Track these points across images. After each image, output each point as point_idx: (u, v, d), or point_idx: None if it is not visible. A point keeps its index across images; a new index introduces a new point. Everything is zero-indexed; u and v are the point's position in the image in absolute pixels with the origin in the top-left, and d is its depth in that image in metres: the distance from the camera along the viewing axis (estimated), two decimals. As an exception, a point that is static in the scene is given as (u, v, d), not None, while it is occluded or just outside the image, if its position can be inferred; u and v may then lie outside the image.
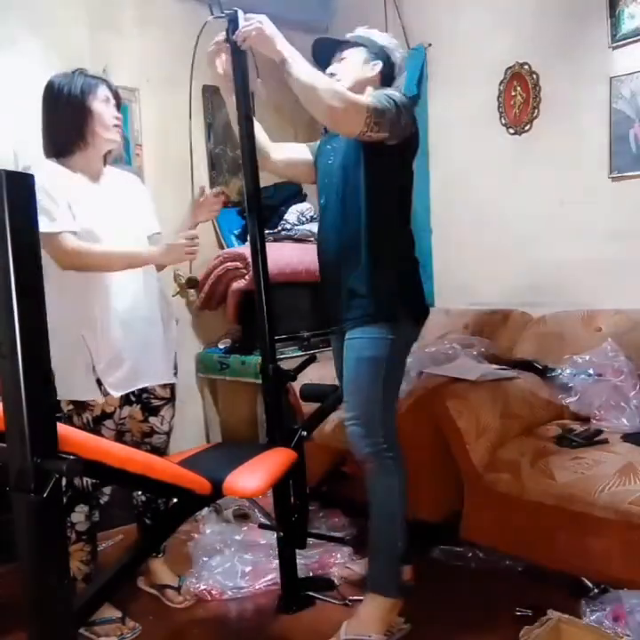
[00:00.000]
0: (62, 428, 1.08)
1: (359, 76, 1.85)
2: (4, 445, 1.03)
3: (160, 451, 2.05)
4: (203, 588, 2.11)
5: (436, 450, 2.19)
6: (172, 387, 2.07)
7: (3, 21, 2.52)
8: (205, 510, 2.55)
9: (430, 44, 3.12)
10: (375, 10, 3.14)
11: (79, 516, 1.90)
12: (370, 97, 1.69)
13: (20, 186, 1.00)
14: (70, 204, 1.79)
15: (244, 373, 2.86)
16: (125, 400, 1.95)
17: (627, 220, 2.53)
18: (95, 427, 1.88)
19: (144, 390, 1.98)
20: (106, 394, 1.85)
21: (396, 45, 1.94)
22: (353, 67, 1.86)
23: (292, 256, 2.88)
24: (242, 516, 2.58)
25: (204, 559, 2.24)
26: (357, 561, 2.19)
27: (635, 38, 2.43)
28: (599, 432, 2.12)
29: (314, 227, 2.90)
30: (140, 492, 2.10)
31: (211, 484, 1.48)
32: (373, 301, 1.79)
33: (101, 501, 2.04)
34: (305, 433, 2.01)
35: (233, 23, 1.78)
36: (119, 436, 2.01)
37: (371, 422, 1.80)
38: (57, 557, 1.07)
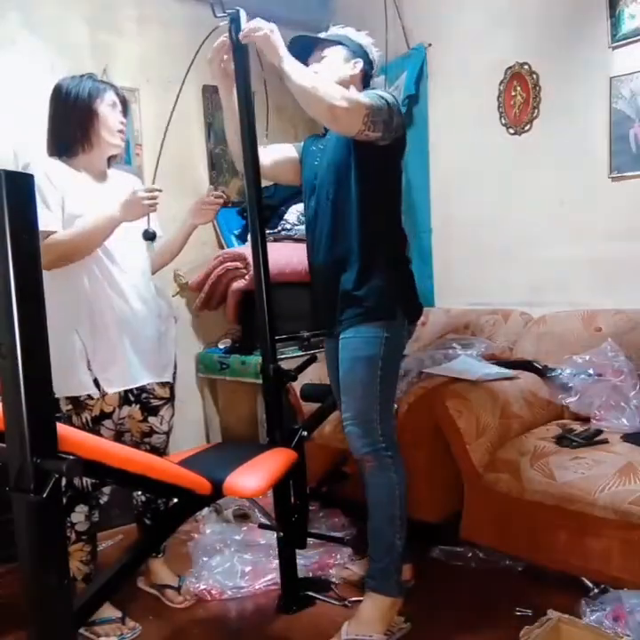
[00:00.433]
0: (62, 428, 1.08)
1: (342, 74, 1.85)
2: (4, 445, 1.03)
3: (159, 451, 2.05)
4: (203, 587, 2.12)
5: (436, 450, 2.19)
6: (171, 386, 2.07)
7: (2, 21, 2.52)
8: (205, 510, 2.55)
9: (430, 44, 3.12)
10: (375, 10, 3.14)
11: (79, 516, 1.90)
12: (366, 96, 1.69)
13: (20, 186, 1.00)
14: (68, 199, 1.79)
15: (244, 373, 2.86)
16: (124, 400, 1.95)
17: (627, 219, 2.53)
18: (94, 427, 1.88)
19: (143, 390, 1.98)
20: (103, 391, 1.85)
21: (372, 43, 1.95)
22: (336, 65, 1.86)
23: (292, 256, 2.88)
24: (242, 516, 2.58)
25: (204, 559, 2.24)
26: (357, 561, 2.19)
27: (635, 38, 2.43)
28: (599, 432, 2.12)
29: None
30: (139, 493, 2.10)
31: (211, 483, 1.48)
32: (367, 301, 1.79)
33: (101, 501, 2.04)
34: (305, 433, 2.01)
35: (235, 23, 1.79)
36: (118, 436, 2.01)
37: (368, 422, 1.80)
38: (57, 557, 1.07)
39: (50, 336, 1.05)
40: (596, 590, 1.79)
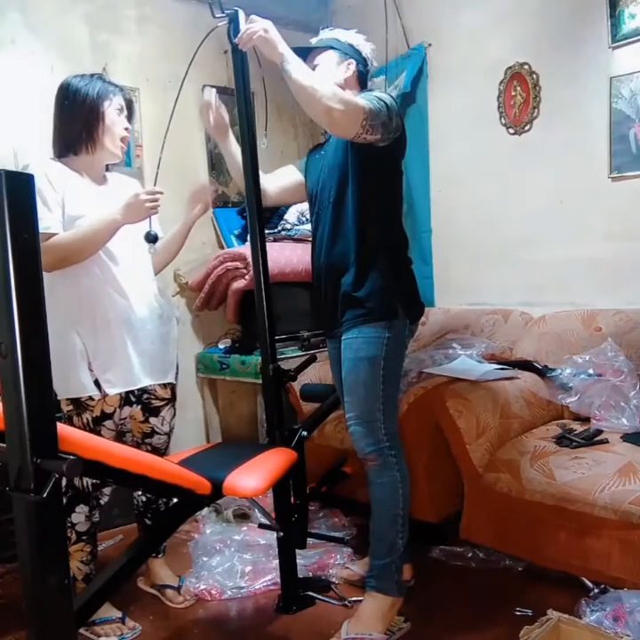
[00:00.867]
0: (62, 428, 1.07)
1: (337, 78, 1.85)
2: (4, 445, 1.03)
3: (160, 451, 2.05)
4: (203, 588, 2.12)
5: (436, 450, 2.19)
6: (172, 387, 2.07)
7: (2, 21, 2.52)
8: (205, 510, 2.55)
9: (430, 44, 3.12)
10: (375, 10, 3.14)
11: (79, 516, 1.90)
12: (364, 99, 1.69)
13: (21, 186, 1.00)
14: (68, 201, 1.79)
15: (244, 373, 2.86)
16: (125, 400, 1.95)
17: (626, 219, 2.53)
18: (95, 427, 1.88)
19: (144, 391, 1.98)
20: (104, 392, 1.85)
21: (363, 40, 1.93)
22: (329, 71, 1.86)
23: (291, 256, 2.88)
24: (242, 516, 2.58)
25: (204, 559, 2.24)
26: (357, 561, 2.19)
27: (635, 38, 2.43)
28: (599, 432, 2.12)
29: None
30: (140, 493, 2.10)
31: (211, 483, 1.48)
32: (368, 302, 1.80)
33: (101, 502, 2.04)
34: (305, 433, 2.01)
35: (234, 23, 1.79)
36: (119, 437, 2.01)
37: (372, 421, 1.80)
38: (57, 557, 1.06)
39: (50, 337, 1.05)
40: (596, 590, 1.79)
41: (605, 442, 2.06)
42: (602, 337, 2.38)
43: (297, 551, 2.02)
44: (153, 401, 2.01)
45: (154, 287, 2.01)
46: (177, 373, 2.09)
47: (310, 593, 2.04)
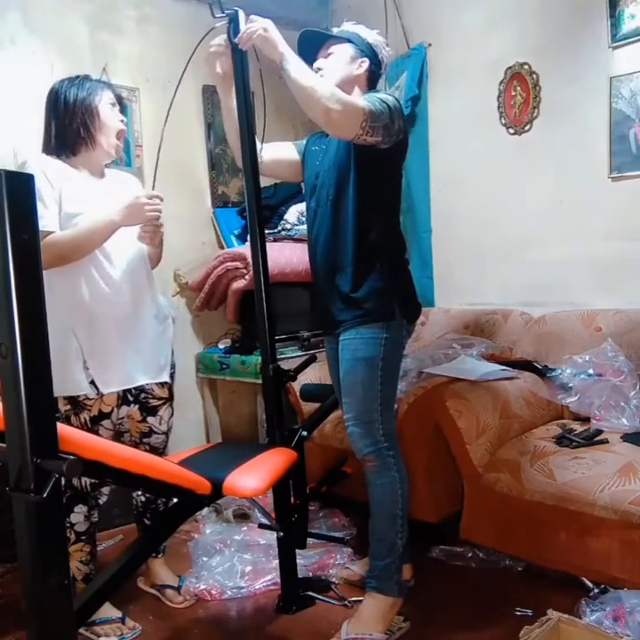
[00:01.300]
0: (62, 428, 1.07)
1: (346, 73, 1.84)
2: (4, 445, 1.03)
3: (159, 451, 2.05)
4: (203, 588, 2.12)
5: (436, 450, 2.19)
6: (169, 386, 2.06)
7: (2, 21, 2.52)
8: (205, 510, 2.55)
9: (430, 44, 3.12)
10: (375, 10, 3.14)
11: (78, 516, 1.90)
12: (365, 100, 1.68)
13: (21, 186, 1.00)
14: (65, 197, 1.79)
15: (244, 373, 2.86)
16: (123, 400, 1.95)
17: (626, 219, 2.53)
18: (93, 427, 1.88)
19: (142, 390, 1.98)
20: (99, 391, 1.85)
21: (383, 43, 1.92)
22: (341, 63, 1.85)
23: (291, 256, 2.88)
24: (242, 516, 2.58)
25: (204, 559, 2.24)
26: (357, 561, 2.19)
27: (635, 38, 2.43)
28: (599, 432, 2.12)
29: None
30: (139, 493, 2.10)
31: (211, 483, 1.48)
32: (365, 302, 1.80)
33: (100, 501, 2.04)
34: (305, 433, 2.01)
35: (234, 22, 1.79)
36: (117, 437, 2.01)
37: (370, 422, 1.80)
38: (57, 557, 1.06)
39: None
40: (596, 590, 1.79)
41: (605, 442, 2.06)
42: (602, 337, 2.38)
43: (297, 551, 2.02)
44: (150, 400, 2.01)
45: (150, 286, 2.01)
46: (174, 373, 2.09)
47: (310, 593, 2.04)
